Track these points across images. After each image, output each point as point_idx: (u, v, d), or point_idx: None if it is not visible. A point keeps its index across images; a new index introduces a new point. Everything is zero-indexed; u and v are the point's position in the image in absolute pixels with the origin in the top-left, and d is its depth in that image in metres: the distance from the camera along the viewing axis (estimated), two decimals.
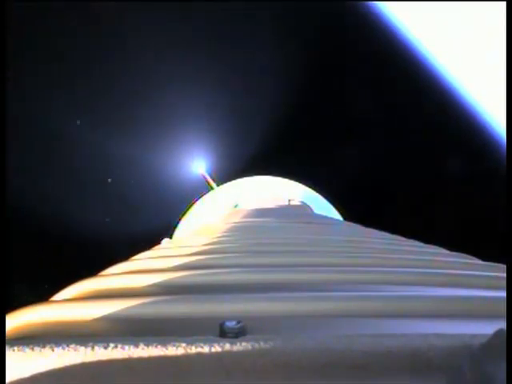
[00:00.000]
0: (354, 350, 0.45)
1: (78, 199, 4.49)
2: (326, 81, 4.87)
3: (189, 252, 1.04)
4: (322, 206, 3.45)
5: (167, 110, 4.67)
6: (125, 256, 1.04)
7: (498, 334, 0.38)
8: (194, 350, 0.44)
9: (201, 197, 3.58)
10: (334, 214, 3.43)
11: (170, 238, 1.93)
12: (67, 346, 0.45)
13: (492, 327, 0.39)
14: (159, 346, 0.45)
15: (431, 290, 0.75)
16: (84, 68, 4.42)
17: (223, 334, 0.48)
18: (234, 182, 3.66)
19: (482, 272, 0.90)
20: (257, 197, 3.49)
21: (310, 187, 3.57)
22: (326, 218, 2.53)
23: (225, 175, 4.33)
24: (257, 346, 0.45)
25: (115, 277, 0.81)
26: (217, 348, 0.44)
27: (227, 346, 0.45)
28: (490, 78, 4.72)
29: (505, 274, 0.87)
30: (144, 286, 0.77)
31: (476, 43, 4.80)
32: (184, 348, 0.44)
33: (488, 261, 1.06)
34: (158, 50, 4.54)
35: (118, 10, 4.30)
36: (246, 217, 2.17)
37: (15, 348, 0.45)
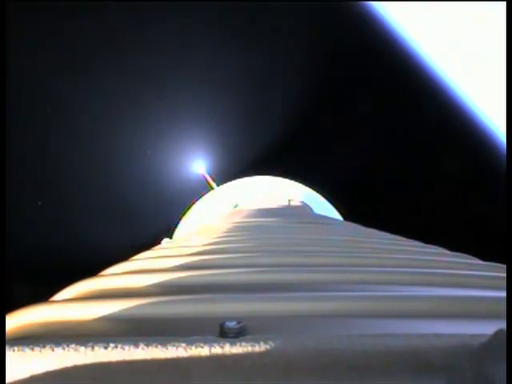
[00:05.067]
0: (354, 350, 0.45)
1: (78, 199, 4.49)
2: (326, 81, 4.87)
3: (189, 252, 1.04)
4: (322, 206, 3.44)
5: (167, 110, 4.67)
6: (125, 256, 1.04)
7: (497, 333, 0.38)
8: (193, 350, 0.44)
9: (201, 197, 3.58)
10: (334, 213, 3.43)
11: (170, 238, 1.93)
12: (67, 345, 0.45)
13: (492, 327, 0.39)
14: (159, 346, 0.44)
15: (431, 289, 0.75)
16: (83, 68, 4.42)
17: (223, 334, 0.48)
18: (234, 182, 3.66)
19: (482, 272, 0.90)
20: (257, 197, 3.49)
21: (310, 187, 3.57)
22: (326, 218, 2.53)
23: (225, 175, 4.33)
24: (257, 345, 0.45)
25: (115, 277, 0.81)
26: (217, 348, 0.44)
27: (227, 346, 0.45)
28: (489, 78, 4.72)
29: (505, 274, 0.87)
30: (144, 286, 0.77)
31: (475, 44, 4.80)
32: (184, 348, 0.44)
33: (488, 261, 1.06)
34: (158, 49, 4.54)
35: (120, 11, 4.30)
36: (246, 217, 2.17)
37: (15, 348, 0.45)
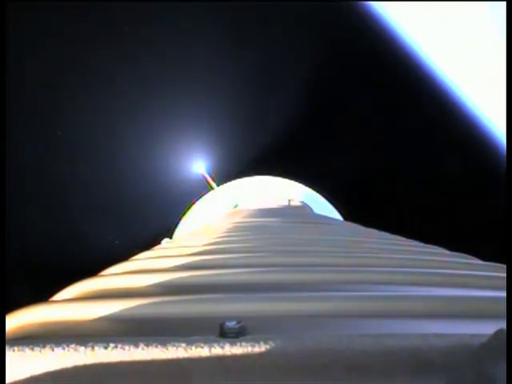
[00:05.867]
0: (354, 350, 0.45)
1: (79, 199, 4.49)
2: (326, 81, 4.87)
3: (189, 252, 1.04)
4: (322, 206, 3.44)
5: (168, 110, 4.67)
6: (125, 256, 1.04)
7: (497, 333, 0.38)
8: (193, 350, 0.44)
9: (201, 197, 3.58)
10: (334, 214, 3.43)
11: (170, 238, 1.93)
12: (67, 345, 0.45)
13: (492, 327, 0.39)
14: (159, 346, 0.44)
15: (431, 290, 0.75)
16: (84, 68, 4.42)
17: (223, 334, 0.48)
18: (234, 182, 3.66)
19: (482, 272, 0.90)
20: (257, 197, 3.49)
21: (310, 187, 3.57)
22: (326, 218, 2.53)
23: (225, 175, 4.33)
24: (257, 345, 0.45)
25: (115, 277, 0.81)
26: (217, 348, 0.44)
27: (227, 346, 0.45)
28: (489, 78, 4.72)
29: (505, 274, 0.87)
30: (144, 286, 0.77)
31: (476, 44, 4.80)
32: (184, 348, 0.44)
33: (488, 261, 1.06)
34: (159, 49, 4.55)
35: (120, 12, 4.30)
36: (245, 217, 2.17)
37: (15, 348, 0.45)
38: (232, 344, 0.45)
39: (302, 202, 3.42)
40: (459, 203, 4.65)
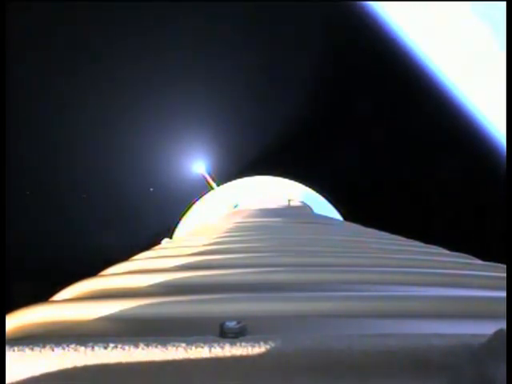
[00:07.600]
0: (354, 350, 0.45)
1: (79, 199, 4.49)
2: (326, 81, 4.87)
3: (189, 252, 1.04)
4: (322, 206, 3.44)
5: (168, 110, 4.67)
6: (125, 256, 1.04)
7: (497, 333, 0.38)
8: (194, 349, 0.44)
9: (201, 197, 3.58)
10: (334, 213, 3.43)
11: (170, 238, 1.92)
12: (67, 345, 0.45)
13: (492, 327, 0.39)
14: (159, 346, 0.44)
15: (431, 290, 0.75)
16: (84, 68, 4.42)
17: (223, 334, 0.48)
18: (234, 182, 3.66)
19: (481, 272, 0.90)
20: (257, 197, 3.49)
21: (310, 187, 3.57)
22: (326, 218, 2.53)
23: (225, 175, 4.33)
24: (257, 345, 0.45)
25: (115, 277, 0.81)
26: (217, 348, 0.44)
27: (227, 346, 0.45)
28: (489, 78, 4.72)
29: (505, 274, 0.87)
30: (144, 286, 0.77)
31: (475, 44, 4.80)
32: (184, 348, 0.44)
33: (488, 261, 1.06)
34: (160, 49, 4.55)
35: (122, 11, 4.30)
36: (245, 217, 2.17)
37: (15, 348, 0.45)
38: (232, 344, 0.45)
39: (302, 201, 3.42)
40: (459, 203, 4.65)
